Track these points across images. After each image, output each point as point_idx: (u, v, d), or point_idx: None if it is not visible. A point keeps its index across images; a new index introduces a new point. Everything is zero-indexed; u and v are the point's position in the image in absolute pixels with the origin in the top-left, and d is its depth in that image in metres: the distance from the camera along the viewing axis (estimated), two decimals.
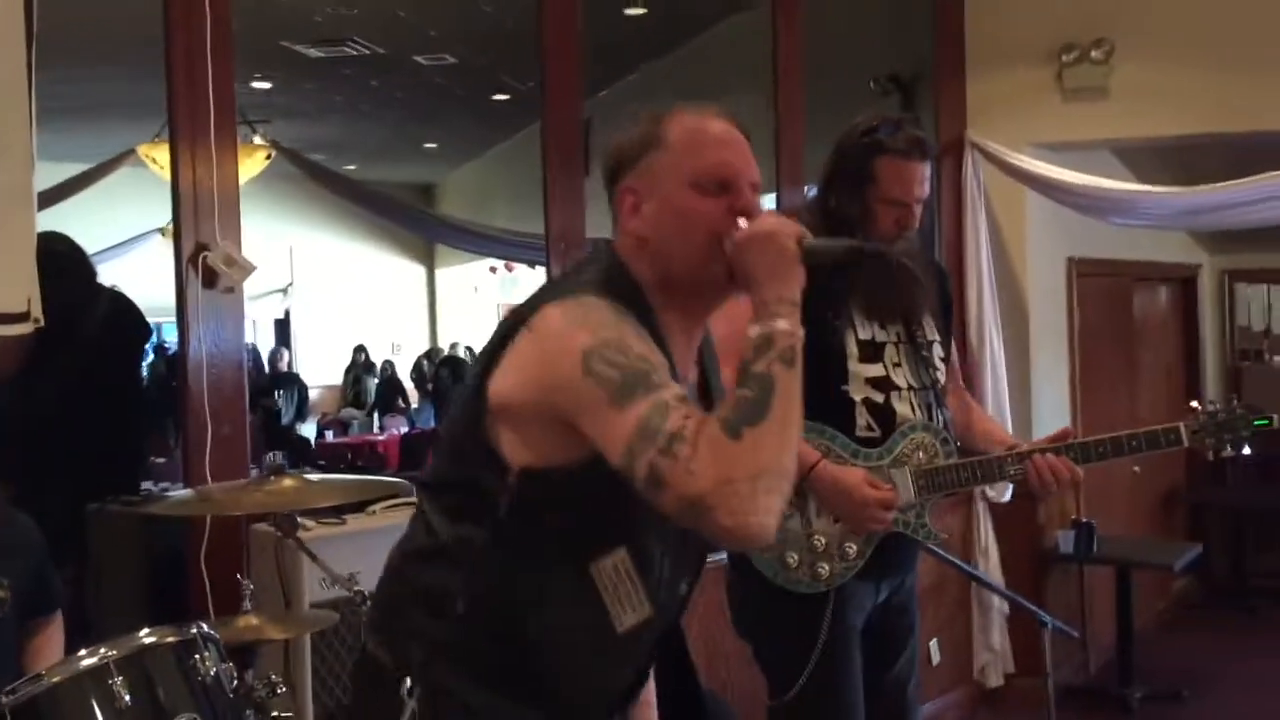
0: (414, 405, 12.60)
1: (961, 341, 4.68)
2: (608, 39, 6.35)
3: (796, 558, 2.32)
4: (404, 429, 10.90)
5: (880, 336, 2.37)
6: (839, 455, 2.31)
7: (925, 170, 2.31)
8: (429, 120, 10.03)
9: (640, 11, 6.56)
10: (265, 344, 12.16)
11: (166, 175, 6.46)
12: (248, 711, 1.89)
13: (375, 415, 12.03)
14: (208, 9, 2.71)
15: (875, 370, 2.35)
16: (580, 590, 1.47)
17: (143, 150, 6.53)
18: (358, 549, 2.49)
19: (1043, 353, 4.93)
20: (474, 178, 12.13)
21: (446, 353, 13.03)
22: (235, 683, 1.90)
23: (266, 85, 7.92)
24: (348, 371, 12.68)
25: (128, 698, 1.74)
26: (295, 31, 7.02)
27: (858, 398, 2.33)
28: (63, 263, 3.44)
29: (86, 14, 5.36)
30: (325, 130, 10.01)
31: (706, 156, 1.48)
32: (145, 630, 1.84)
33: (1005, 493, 4.66)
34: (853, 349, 2.33)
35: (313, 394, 11.80)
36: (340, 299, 12.92)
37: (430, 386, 12.56)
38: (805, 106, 4.24)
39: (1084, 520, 4.89)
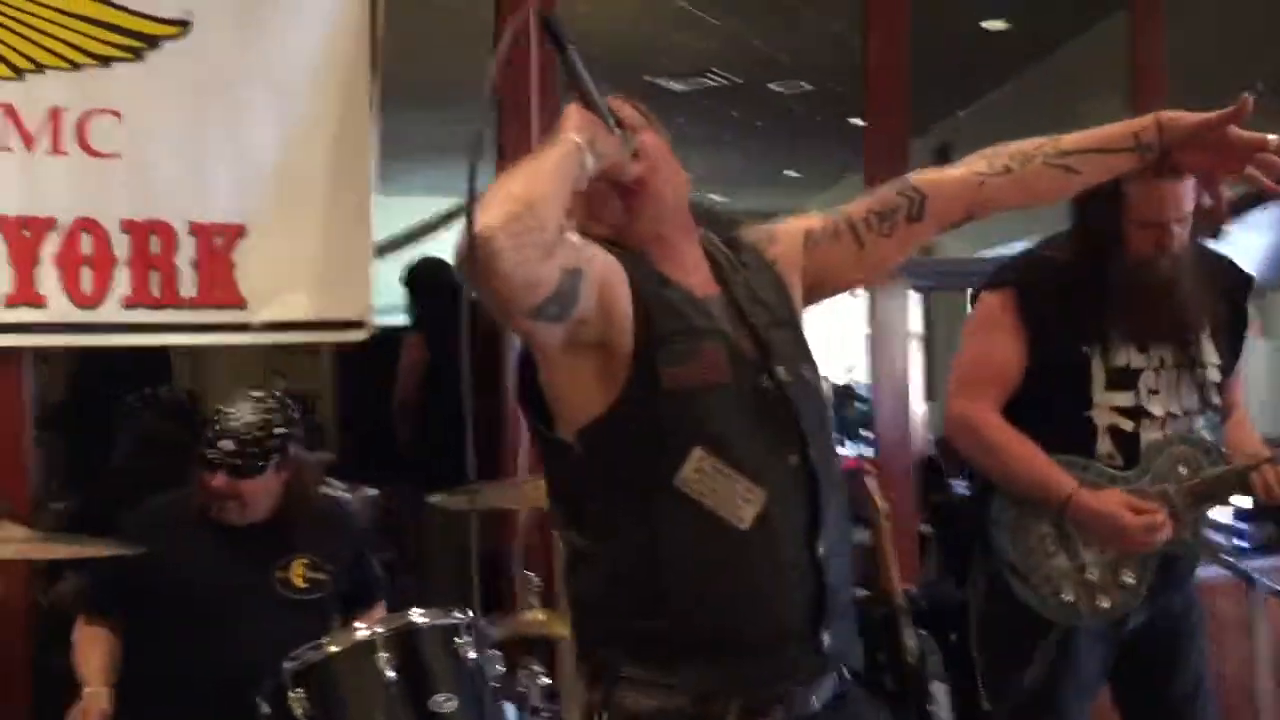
0: None
1: None
2: (966, 56, 6.12)
3: (1073, 594, 2.26)
4: None
5: (1137, 362, 2.31)
6: (1093, 483, 2.25)
7: (1180, 189, 2.21)
8: (789, 148, 10.11)
9: (1001, 25, 6.28)
10: None
11: None
12: (505, 700, 1.97)
13: None
14: (534, 57, 2.81)
15: (1125, 399, 2.30)
16: (685, 510, 1.44)
17: None
18: None
19: None
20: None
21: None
22: (500, 671, 1.99)
23: None
24: None
25: (393, 673, 1.87)
26: (657, 65, 7.32)
27: (1101, 424, 2.29)
28: (444, 282, 3.84)
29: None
30: (690, 162, 10.33)
31: None
32: (416, 610, 1.97)
33: None
34: (1099, 374, 2.29)
35: None
36: None
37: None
38: None
39: None
